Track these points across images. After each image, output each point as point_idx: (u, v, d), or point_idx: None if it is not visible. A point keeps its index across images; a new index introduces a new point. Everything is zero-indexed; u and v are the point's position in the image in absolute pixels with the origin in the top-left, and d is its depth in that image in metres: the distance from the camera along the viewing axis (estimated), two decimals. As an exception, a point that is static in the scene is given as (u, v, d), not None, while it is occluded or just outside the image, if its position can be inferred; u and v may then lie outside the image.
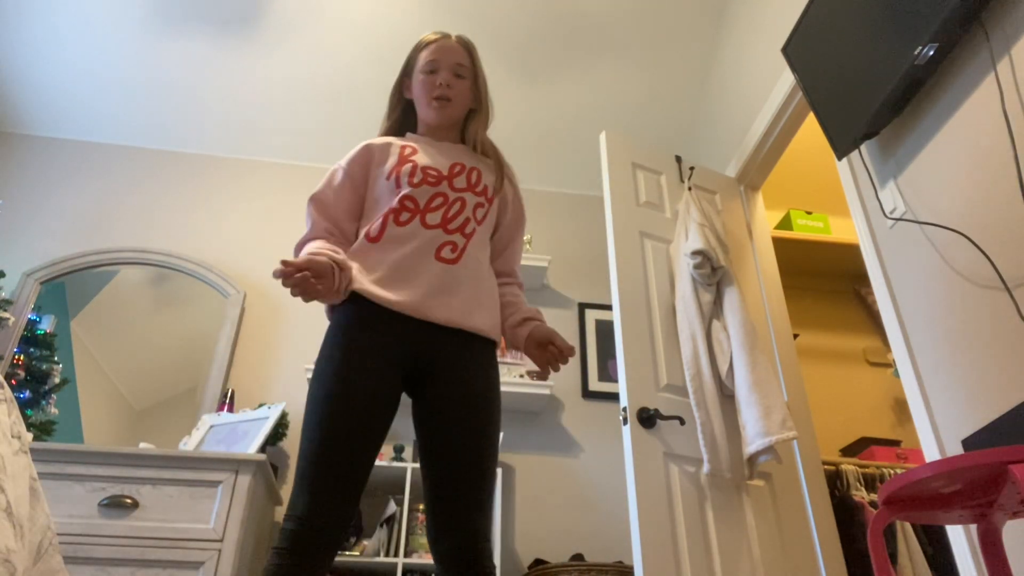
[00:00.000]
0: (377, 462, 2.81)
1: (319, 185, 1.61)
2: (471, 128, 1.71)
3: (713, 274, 2.53)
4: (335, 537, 1.24)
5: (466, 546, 1.28)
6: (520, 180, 4.00)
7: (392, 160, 1.58)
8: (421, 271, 1.44)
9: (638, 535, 2.05)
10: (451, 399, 1.38)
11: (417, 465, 2.81)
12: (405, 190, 1.51)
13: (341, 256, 1.42)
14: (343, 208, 1.57)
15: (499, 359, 3.42)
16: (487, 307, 1.50)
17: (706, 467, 2.22)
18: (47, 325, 3.12)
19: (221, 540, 2.29)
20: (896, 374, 3.32)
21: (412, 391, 1.44)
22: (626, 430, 2.22)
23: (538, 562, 2.82)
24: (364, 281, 1.41)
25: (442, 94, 1.64)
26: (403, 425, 3.19)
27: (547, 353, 1.49)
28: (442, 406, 1.38)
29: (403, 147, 1.61)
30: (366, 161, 1.61)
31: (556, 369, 1.49)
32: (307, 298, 1.31)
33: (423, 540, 2.72)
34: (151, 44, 3.42)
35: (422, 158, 1.58)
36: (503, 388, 3.13)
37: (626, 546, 3.02)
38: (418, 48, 1.70)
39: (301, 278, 1.27)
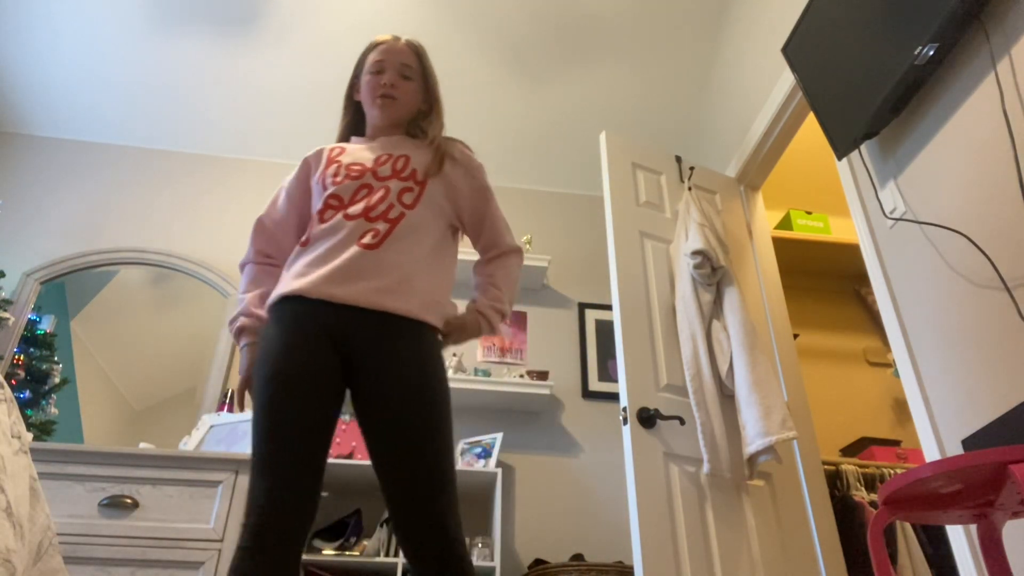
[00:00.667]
0: (377, 462, 2.81)
1: (265, 207, 1.69)
2: (421, 126, 1.69)
3: (713, 274, 2.53)
4: (295, 529, 1.23)
5: (433, 547, 1.26)
6: (519, 180, 4.01)
7: (323, 163, 1.63)
8: (336, 257, 1.44)
9: (638, 535, 2.05)
10: (384, 398, 1.34)
11: (417, 465, 2.81)
12: (330, 190, 1.55)
13: (247, 321, 1.52)
14: (283, 228, 1.64)
15: (500, 359, 3.42)
16: (419, 290, 1.45)
17: (706, 467, 2.22)
18: (47, 325, 3.12)
19: (221, 540, 2.29)
20: (896, 374, 3.32)
21: (348, 382, 1.42)
22: (626, 430, 2.22)
23: (538, 562, 2.82)
24: (281, 284, 1.47)
25: (386, 92, 1.65)
26: (403, 425, 3.19)
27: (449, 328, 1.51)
28: (376, 407, 1.35)
29: (331, 150, 1.66)
30: (305, 175, 1.67)
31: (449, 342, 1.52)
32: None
33: (423, 540, 2.72)
34: (151, 44, 3.42)
35: (348, 156, 1.62)
36: (503, 388, 3.13)
37: (626, 546, 3.02)
38: (367, 51, 1.72)
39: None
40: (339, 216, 1.49)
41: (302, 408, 1.30)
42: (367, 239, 1.45)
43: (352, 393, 1.41)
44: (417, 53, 1.72)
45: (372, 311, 1.39)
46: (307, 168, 1.67)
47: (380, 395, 1.34)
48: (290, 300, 1.42)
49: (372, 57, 1.69)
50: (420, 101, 1.71)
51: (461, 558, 1.27)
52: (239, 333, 1.52)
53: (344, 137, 1.76)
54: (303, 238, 1.53)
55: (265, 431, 1.28)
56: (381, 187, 1.53)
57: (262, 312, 1.52)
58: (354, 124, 1.76)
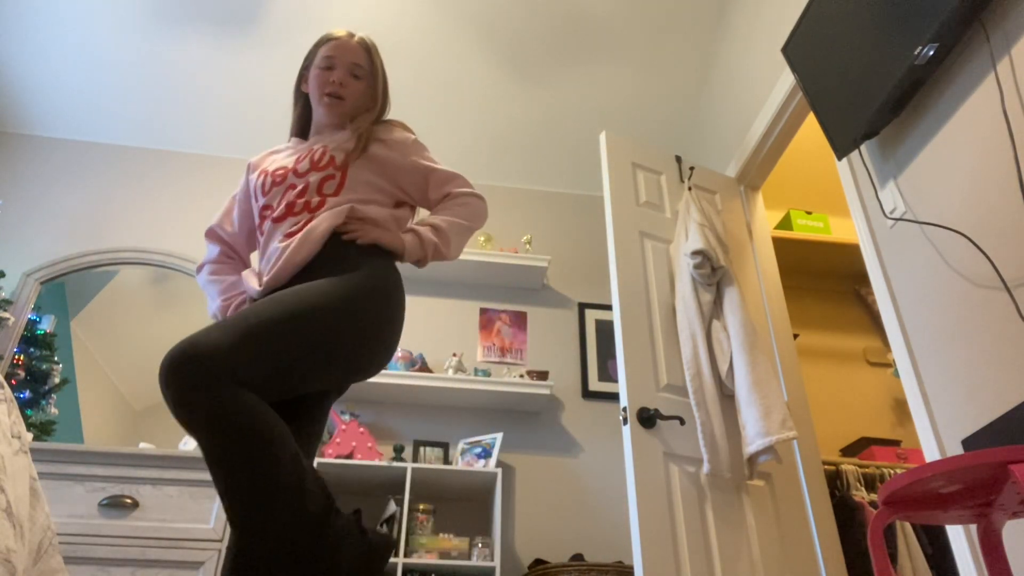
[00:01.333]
0: (377, 462, 2.81)
1: (215, 217, 1.70)
2: (355, 121, 1.65)
3: (713, 274, 2.53)
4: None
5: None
6: (519, 180, 4.01)
7: (253, 176, 1.63)
8: (272, 261, 1.46)
9: (638, 535, 2.05)
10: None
11: (417, 465, 2.81)
12: (260, 201, 1.57)
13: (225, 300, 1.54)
14: (241, 235, 1.67)
15: (500, 359, 3.42)
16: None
17: (706, 467, 2.22)
18: (47, 325, 3.12)
19: (221, 540, 2.30)
20: (896, 374, 3.32)
21: None
22: (626, 430, 2.22)
23: (538, 562, 2.82)
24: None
25: (333, 91, 1.63)
26: (403, 425, 3.19)
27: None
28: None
29: (262, 159, 1.68)
30: (246, 185, 1.69)
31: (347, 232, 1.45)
32: None
33: (423, 540, 2.72)
34: (151, 44, 3.42)
35: (275, 160, 1.62)
36: (503, 388, 3.12)
37: (626, 546, 3.02)
38: (319, 44, 1.70)
39: None
40: (268, 223, 1.51)
41: None
42: (292, 229, 1.47)
43: None
44: (368, 52, 1.69)
45: (294, 277, 1.43)
46: (248, 178, 1.69)
47: None
48: None
49: (323, 51, 1.66)
50: (368, 100, 1.68)
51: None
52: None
53: (297, 130, 1.74)
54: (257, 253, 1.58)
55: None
56: (301, 182, 1.52)
57: (241, 291, 1.56)
58: (305, 117, 1.74)
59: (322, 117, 1.66)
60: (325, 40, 1.69)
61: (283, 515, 1.06)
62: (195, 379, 1.06)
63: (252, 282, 1.50)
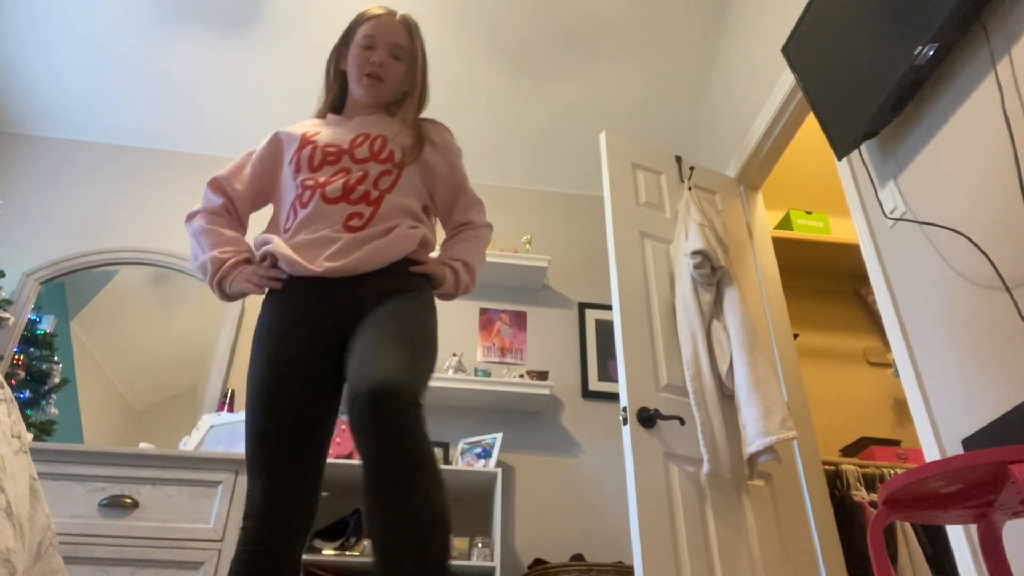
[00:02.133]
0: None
1: (224, 169, 1.60)
2: (400, 110, 1.63)
3: (713, 274, 2.53)
4: (296, 526, 1.21)
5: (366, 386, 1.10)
6: (519, 180, 4.01)
7: (295, 143, 1.56)
8: (328, 241, 1.42)
9: (638, 535, 2.05)
10: (364, 327, 1.31)
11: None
12: (304, 174, 1.50)
13: (229, 266, 1.46)
14: (241, 199, 1.58)
15: (500, 359, 3.42)
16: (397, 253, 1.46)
17: (706, 467, 2.22)
18: (47, 325, 3.12)
19: (221, 540, 2.29)
20: (896, 374, 3.32)
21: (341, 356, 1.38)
22: (626, 430, 2.22)
23: (538, 562, 2.82)
24: (283, 263, 1.42)
25: (373, 72, 1.58)
26: (403, 425, 3.19)
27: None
28: (356, 337, 1.31)
29: (306, 131, 1.58)
30: (275, 152, 1.60)
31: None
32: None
33: (423, 540, 2.72)
34: (151, 44, 3.42)
35: (324, 136, 1.55)
36: (503, 388, 3.12)
37: (626, 546, 3.02)
38: (359, 20, 1.65)
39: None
40: (317, 200, 1.45)
41: (296, 406, 1.28)
42: (353, 222, 1.43)
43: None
44: (410, 32, 1.64)
45: (368, 273, 1.40)
46: (278, 145, 1.61)
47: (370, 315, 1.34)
48: (291, 283, 1.41)
49: (364, 30, 1.61)
50: (407, 82, 1.65)
51: (398, 396, 1.08)
52: (223, 280, 1.46)
53: (332, 107, 1.69)
54: (284, 226, 1.49)
55: (258, 429, 1.26)
56: (360, 170, 1.49)
57: (241, 249, 1.51)
58: (341, 96, 1.69)
59: (361, 97, 1.62)
60: (366, 18, 1.63)
61: (445, 544, 1.05)
62: (400, 414, 1.07)
63: (286, 250, 1.41)
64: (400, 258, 1.44)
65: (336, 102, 1.69)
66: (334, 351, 1.36)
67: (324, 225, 1.43)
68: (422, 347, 1.26)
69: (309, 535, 1.26)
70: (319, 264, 1.39)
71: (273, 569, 1.18)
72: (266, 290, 1.44)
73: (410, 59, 1.64)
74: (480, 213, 1.67)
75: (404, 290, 1.41)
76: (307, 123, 1.64)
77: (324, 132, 1.57)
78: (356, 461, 2.79)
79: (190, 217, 1.56)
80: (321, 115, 1.69)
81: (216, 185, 1.59)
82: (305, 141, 1.55)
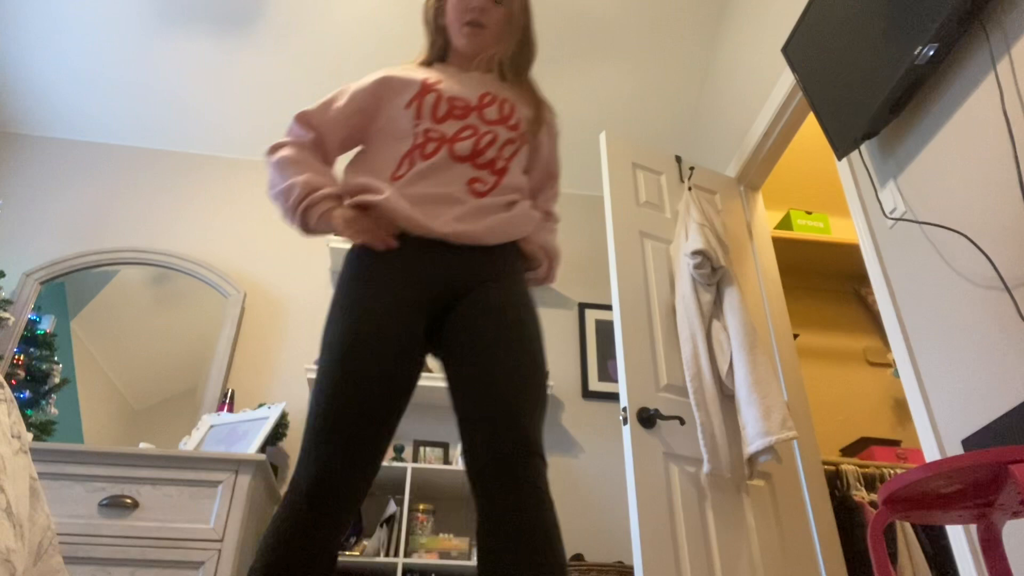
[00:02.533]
0: (377, 462, 2.80)
1: (314, 104, 1.45)
2: (508, 61, 1.52)
3: (713, 274, 2.53)
4: (350, 509, 1.10)
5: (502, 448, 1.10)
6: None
7: (413, 86, 1.42)
8: (452, 201, 1.32)
9: (638, 535, 2.05)
10: (481, 313, 1.24)
11: (417, 465, 2.81)
12: (427, 123, 1.38)
13: (319, 194, 1.33)
14: (338, 135, 1.44)
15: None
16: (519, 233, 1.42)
17: (706, 467, 2.22)
18: (47, 325, 3.12)
19: (221, 540, 2.30)
20: (896, 374, 3.32)
21: (436, 328, 1.30)
22: (626, 430, 2.22)
23: (538, 562, 2.81)
24: (399, 213, 1.30)
25: (474, 19, 1.47)
26: (403, 425, 3.19)
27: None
28: (470, 321, 1.24)
29: (427, 77, 1.45)
30: (385, 93, 1.45)
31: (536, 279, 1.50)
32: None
33: (423, 540, 2.72)
34: (151, 44, 3.42)
35: (449, 87, 1.43)
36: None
37: (626, 546, 3.02)
38: None
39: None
40: (444, 154, 1.35)
41: (390, 371, 1.15)
42: (477, 187, 1.35)
43: (442, 329, 1.29)
44: None
45: (490, 247, 1.34)
46: (389, 86, 1.45)
47: (479, 313, 1.24)
48: (400, 239, 1.30)
49: None
50: (511, 30, 1.52)
51: (535, 468, 1.09)
52: (310, 208, 1.32)
53: (431, 61, 1.56)
54: (394, 172, 1.36)
55: (340, 391, 1.13)
56: (488, 132, 1.39)
57: (334, 185, 1.37)
58: (444, 51, 1.57)
59: (462, 46, 1.51)
60: None
61: None
62: (538, 473, 1.08)
63: (405, 208, 1.29)
64: (521, 237, 1.40)
65: (441, 52, 1.57)
66: (431, 318, 1.28)
67: (448, 182, 1.34)
68: (544, 382, 1.22)
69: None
70: (446, 224, 1.29)
71: (329, 537, 1.07)
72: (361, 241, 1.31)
73: (512, 2, 1.52)
74: (555, 207, 1.63)
75: (512, 273, 1.34)
76: (416, 68, 1.51)
77: (446, 82, 1.44)
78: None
79: (274, 149, 1.41)
80: (425, 63, 1.56)
81: (305, 120, 1.44)
82: (427, 87, 1.42)
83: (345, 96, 1.45)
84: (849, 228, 3.67)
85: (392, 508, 2.77)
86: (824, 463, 2.67)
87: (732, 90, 3.26)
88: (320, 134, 1.43)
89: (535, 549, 1.00)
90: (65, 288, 3.32)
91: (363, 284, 1.24)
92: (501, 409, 1.12)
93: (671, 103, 3.69)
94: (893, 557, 2.48)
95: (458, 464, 2.97)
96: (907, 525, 2.56)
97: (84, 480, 2.35)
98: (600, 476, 3.20)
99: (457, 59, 1.54)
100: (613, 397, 3.41)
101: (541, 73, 3.58)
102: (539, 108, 1.51)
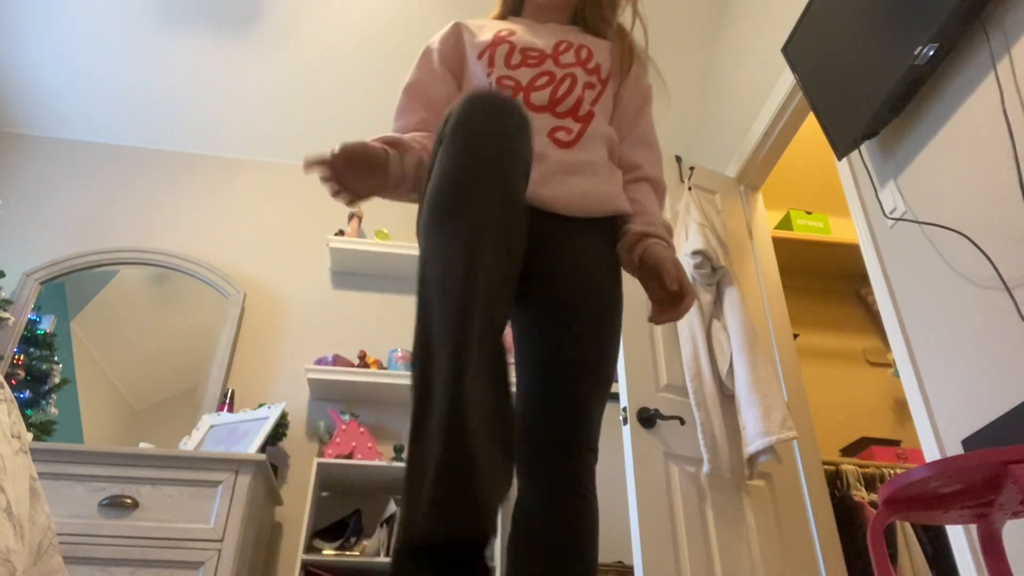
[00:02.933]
0: (377, 462, 2.80)
1: (410, 74, 1.34)
2: (588, 7, 1.39)
3: (713, 274, 2.53)
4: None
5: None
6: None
7: (486, 37, 1.33)
8: (536, 157, 1.16)
9: (638, 535, 2.05)
10: (572, 295, 1.11)
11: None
12: (501, 71, 1.27)
13: (406, 137, 1.16)
14: (443, 95, 1.31)
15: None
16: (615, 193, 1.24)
17: (706, 467, 2.22)
18: (47, 325, 3.12)
19: (221, 540, 2.30)
20: (896, 374, 3.32)
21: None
22: (626, 430, 2.22)
23: (538, 562, 2.81)
24: None
25: None
26: (403, 425, 3.19)
27: (657, 288, 1.18)
28: (563, 302, 1.11)
29: (498, 28, 1.36)
30: (458, 41, 1.36)
31: (665, 317, 1.18)
32: (348, 197, 1.04)
33: (423, 540, 2.72)
34: (150, 44, 3.42)
35: (521, 38, 1.32)
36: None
37: (626, 546, 3.02)
38: None
39: (331, 167, 1.00)
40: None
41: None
42: (560, 135, 1.23)
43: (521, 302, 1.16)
44: None
45: (579, 219, 1.18)
46: (459, 33, 1.37)
47: (570, 295, 1.12)
48: None
49: None
50: None
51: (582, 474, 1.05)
52: (396, 144, 1.14)
53: (506, 15, 1.47)
54: None
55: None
56: (566, 75, 1.28)
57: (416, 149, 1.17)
58: (515, 7, 1.46)
59: None
60: None
61: None
62: (591, 486, 1.06)
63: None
64: (613, 215, 1.22)
65: (515, 5, 1.46)
66: None
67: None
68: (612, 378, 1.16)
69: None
70: (531, 193, 1.15)
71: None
72: None
73: None
74: (655, 161, 1.37)
75: (604, 264, 1.18)
76: (489, 21, 1.42)
77: (520, 34, 1.34)
78: (356, 461, 2.78)
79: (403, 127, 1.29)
80: (500, 17, 1.46)
81: (415, 93, 1.31)
82: (499, 39, 1.32)
83: (432, 55, 1.36)
84: (849, 228, 3.67)
85: (392, 508, 2.77)
86: (824, 463, 2.67)
87: (732, 90, 3.26)
88: (429, 101, 1.32)
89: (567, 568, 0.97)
90: (65, 288, 3.32)
91: None
92: (571, 408, 1.07)
93: (671, 103, 3.69)
94: (893, 557, 2.48)
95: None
96: (907, 525, 2.56)
97: (84, 480, 2.35)
98: (600, 476, 3.18)
99: (532, 10, 1.44)
100: (613, 397, 3.40)
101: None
102: (628, 48, 1.36)
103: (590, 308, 1.11)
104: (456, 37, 1.37)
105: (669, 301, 1.18)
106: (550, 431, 1.04)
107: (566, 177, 1.19)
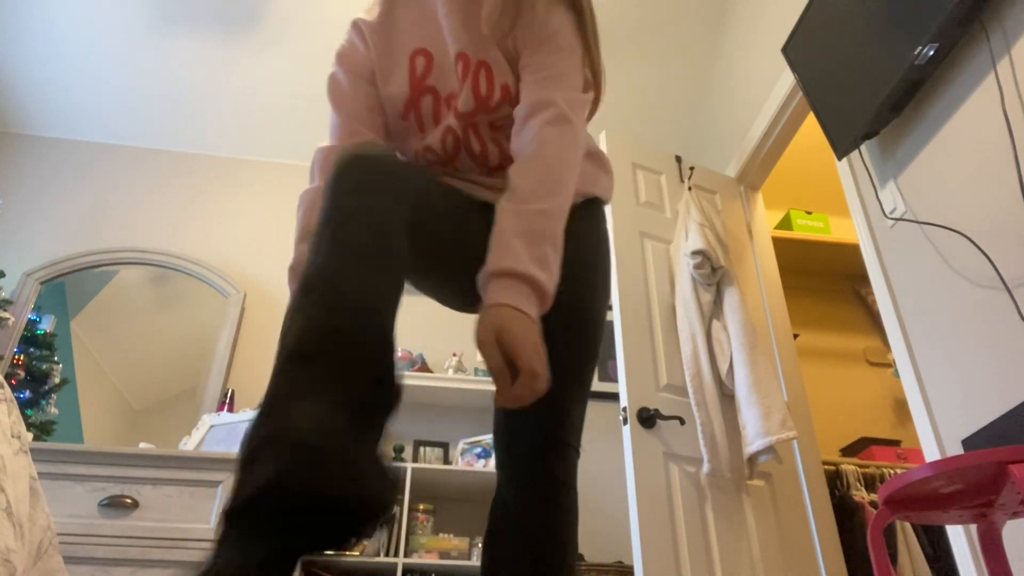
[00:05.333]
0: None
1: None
2: None
3: (713, 274, 2.53)
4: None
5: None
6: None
7: (400, 82, 1.09)
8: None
9: (638, 535, 2.05)
10: None
11: (417, 465, 2.81)
12: (427, 140, 1.10)
13: None
14: (364, 108, 1.11)
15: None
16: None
17: (706, 467, 2.22)
18: (47, 325, 3.12)
19: (221, 540, 2.29)
20: (896, 374, 3.32)
21: None
22: (626, 430, 2.22)
23: (538, 562, 2.81)
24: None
25: None
26: (403, 425, 3.19)
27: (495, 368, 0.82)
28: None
29: (412, 55, 1.10)
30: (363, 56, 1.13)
31: (506, 402, 0.81)
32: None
33: (423, 540, 2.72)
34: (151, 44, 3.42)
35: (438, 75, 1.08)
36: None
37: (626, 546, 3.02)
38: None
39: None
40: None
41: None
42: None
43: None
44: None
45: None
46: (355, 55, 1.18)
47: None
48: None
49: None
50: None
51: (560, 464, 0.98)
52: None
53: None
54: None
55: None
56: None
57: None
58: None
59: None
60: None
61: None
62: (574, 482, 0.99)
63: None
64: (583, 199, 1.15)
65: None
66: None
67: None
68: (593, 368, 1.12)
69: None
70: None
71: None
72: None
73: None
74: (559, 82, 1.04)
75: (580, 257, 1.11)
76: (391, 24, 1.16)
77: (434, 61, 1.12)
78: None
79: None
80: None
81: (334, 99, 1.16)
82: (417, 83, 1.12)
83: (340, 82, 1.19)
84: (849, 228, 3.67)
85: (392, 508, 2.77)
86: (824, 463, 2.67)
87: (732, 90, 3.26)
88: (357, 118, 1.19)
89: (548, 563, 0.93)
90: (65, 288, 3.32)
91: None
92: (554, 409, 1.00)
93: (671, 103, 3.69)
94: (893, 557, 2.48)
95: (458, 464, 2.97)
96: (907, 525, 2.56)
97: (84, 480, 2.35)
98: (600, 476, 3.20)
99: None
100: (613, 397, 3.40)
101: (541, 73, 3.58)
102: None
103: (569, 308, 1.03)
104: (355, 50, 1.14)
105: (504, 392, 0.82)
106: (534, 432, 1.00)
107: None
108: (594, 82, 1.16)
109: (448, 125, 1.08)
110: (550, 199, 0.90)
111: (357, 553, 2.63)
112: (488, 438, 3.01)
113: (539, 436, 0.99)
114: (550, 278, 0.85)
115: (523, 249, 0.84)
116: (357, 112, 1.11)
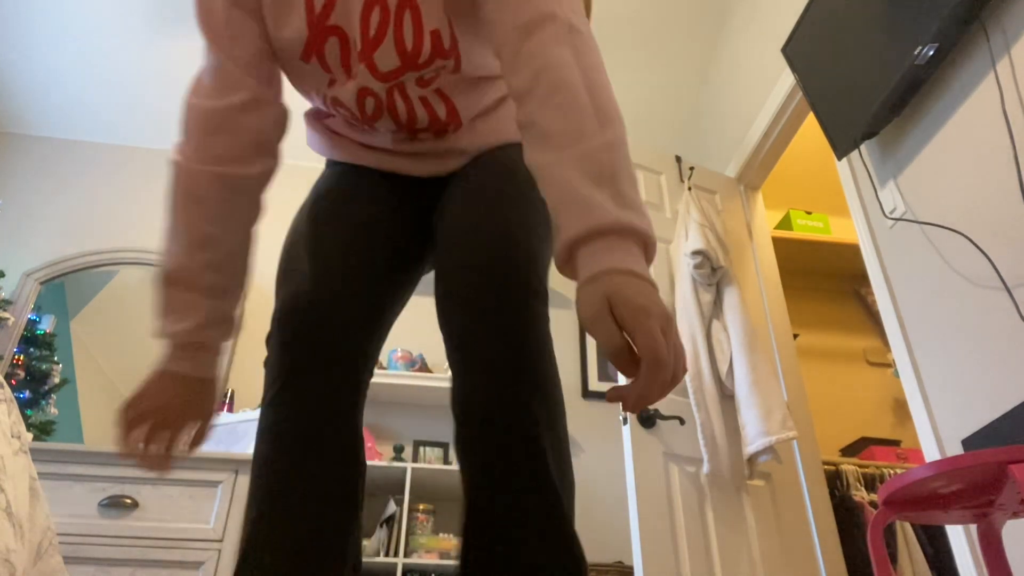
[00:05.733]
0: (377, 462, 2.80)
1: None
2: None
3: (713, 274, 2.53)
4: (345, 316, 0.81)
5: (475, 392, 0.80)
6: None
7: (297, 24, 0.90)
8: None
9: (638, 535, 2.05)
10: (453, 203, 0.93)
11: (416, 465, 2.81)
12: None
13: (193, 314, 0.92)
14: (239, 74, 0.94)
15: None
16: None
17: (706, 467, 2.22)
18: (47, 325, 3.12)
19: (221, 540, 2.29)
20: (896, 374, 3.32)
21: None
22: (626, 430, 2.22)
23: (538, 562, 2.81)
24: None
25: None
26: (403, 425, 3.19)
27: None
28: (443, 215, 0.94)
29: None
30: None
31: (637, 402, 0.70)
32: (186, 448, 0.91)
33: (423, 540, 2.72)
34: (151, 44, 3.42)
35: (342, 11, 0.89)
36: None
37: (626, 546, 3.02)
38: None
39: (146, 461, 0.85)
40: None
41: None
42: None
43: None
44: None
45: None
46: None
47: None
48: None
49: None
50: None
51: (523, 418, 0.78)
52: None
53: None
54: None
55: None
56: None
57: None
58: None
59: None
60: None
61: None
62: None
63: None
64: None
65: None
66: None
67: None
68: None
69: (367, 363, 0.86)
70: None
71: (312, 404, 0.80)
72: None
73: None
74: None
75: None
76: None
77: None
78: (356, 461, 2.78)
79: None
80: None
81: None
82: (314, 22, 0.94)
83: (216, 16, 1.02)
84: (849, 228, 3.67)
85: (392, 508, 2.77)
86: (824, 463, 2.67)
87: (732, 90, 3.26)
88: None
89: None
90: (65, 288, 3.32)
91: None
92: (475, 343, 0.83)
93: (671, 103, 3.69)
94: (893, 557, 2.48)
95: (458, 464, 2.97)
96: (907, 525, 2.56)
97: (84, 480, 2.35)
98: (600, 476, 3.20)
99: None
100: (613, 397, 3.41)
101: (541, 73, 3.58)
102: None
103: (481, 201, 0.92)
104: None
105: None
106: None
107: None
108: None
109: (365, 85, 0.92)
110: (606, 129, 0.71)
111: (357, 553, 2.63)
112: (488, 438, 3.01)
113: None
114: (647, 221, 0.67)
115: (604, 197, 0.66)
116: (239, 56, 0.90)
